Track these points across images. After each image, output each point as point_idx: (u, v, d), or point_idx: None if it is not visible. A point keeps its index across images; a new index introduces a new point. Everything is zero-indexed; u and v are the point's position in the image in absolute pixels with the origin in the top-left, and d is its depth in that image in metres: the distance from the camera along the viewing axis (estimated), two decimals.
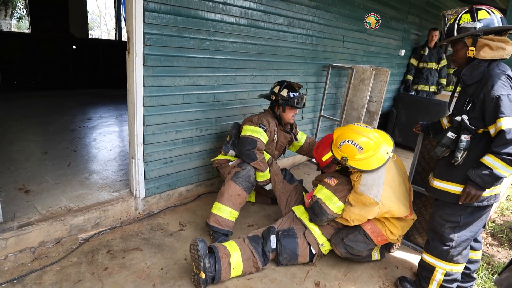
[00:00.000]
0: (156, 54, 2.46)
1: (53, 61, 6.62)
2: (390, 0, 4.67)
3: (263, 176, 2.64)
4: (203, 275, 1.98)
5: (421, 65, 5.69)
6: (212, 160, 2.85)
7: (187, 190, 3.07)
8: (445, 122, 2.31)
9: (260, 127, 2.62)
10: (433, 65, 5.62)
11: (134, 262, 2.21)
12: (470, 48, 1.81)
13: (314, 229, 2.33)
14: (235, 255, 2.11)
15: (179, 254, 2.33)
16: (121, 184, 2.90)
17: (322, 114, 4.25)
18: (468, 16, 1.81)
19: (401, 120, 5.38)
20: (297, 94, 2.70)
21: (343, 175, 2.45)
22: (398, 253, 2.62)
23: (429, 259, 2.06)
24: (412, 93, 5.76)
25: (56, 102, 5.74)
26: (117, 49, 7.64)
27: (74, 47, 6.90)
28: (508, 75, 1.73)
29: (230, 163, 2.68)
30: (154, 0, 2.33)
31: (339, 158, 2.29)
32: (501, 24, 1.76)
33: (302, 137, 3.12)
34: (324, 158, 2.54)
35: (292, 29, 3.44)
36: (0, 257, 2.07)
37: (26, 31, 13.53)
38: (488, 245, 3.00)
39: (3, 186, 2.67)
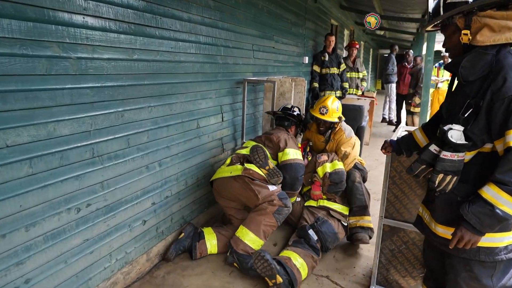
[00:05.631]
0: None
1: None
2: (290, 5, 4.23)
3: (295, 198, 2.80)
4: (280, 279, 2.04)
5: (323, 71, 5.51)
6: (246, 167, 2.49)
7: None
8: (419, 135, 1.79)
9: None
10: (334, 70, 5.51)
11: None
12: (464, 31, 1.28)
13: (336, 206, 2.70)
14: (293, 257, 2.26)
15: None
16: None
17: (244, 141, 3.42)
18: None
19: None
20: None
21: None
22: None
23: None
24: None
25: None
26: None
27: None
28: None
29: (270, 188, 2.47)
30: None
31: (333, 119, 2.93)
32: None
33: None
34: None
35: (195, 37, 2.52)
36: None
37: None
38: None
39: None
